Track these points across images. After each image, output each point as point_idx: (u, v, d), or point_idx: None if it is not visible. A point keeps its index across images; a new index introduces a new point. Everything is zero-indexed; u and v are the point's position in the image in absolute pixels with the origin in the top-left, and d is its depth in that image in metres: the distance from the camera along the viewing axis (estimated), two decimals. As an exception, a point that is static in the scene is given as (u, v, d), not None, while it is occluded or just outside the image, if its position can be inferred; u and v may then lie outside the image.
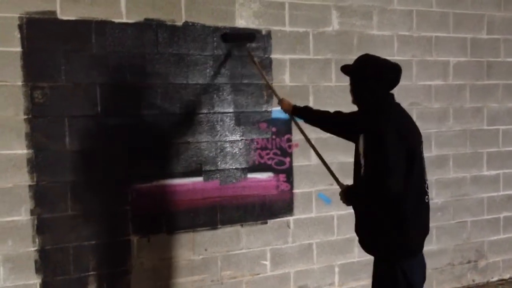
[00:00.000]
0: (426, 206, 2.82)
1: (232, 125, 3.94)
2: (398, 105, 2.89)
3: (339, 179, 3.24)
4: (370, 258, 4.43)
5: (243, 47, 3.90)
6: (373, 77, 2.78)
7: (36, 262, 3.39)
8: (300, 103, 4.13)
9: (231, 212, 3.96)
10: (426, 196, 2.80)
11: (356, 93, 2.90)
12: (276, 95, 3.72)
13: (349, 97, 4.25)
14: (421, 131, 4.50)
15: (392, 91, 2.89)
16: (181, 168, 3.78)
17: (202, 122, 3.84)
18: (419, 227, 2.78)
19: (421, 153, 2.80)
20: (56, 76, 3.39)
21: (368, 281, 4.47)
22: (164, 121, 3.72)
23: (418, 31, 4.64)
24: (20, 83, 3.31)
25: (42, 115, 3.37)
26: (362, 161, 2.72)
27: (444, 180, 4.83)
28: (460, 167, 4.90)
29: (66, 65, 3.42)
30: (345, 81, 4.26)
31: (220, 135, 3.91)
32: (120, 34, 3.56)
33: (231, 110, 3.94)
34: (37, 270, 3.40)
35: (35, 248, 3.39)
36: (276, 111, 4.06)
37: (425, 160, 2.85)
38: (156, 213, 3.72)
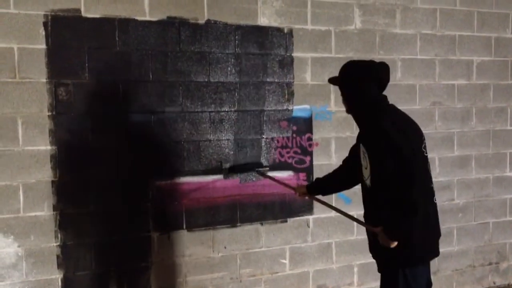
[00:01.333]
0: (435, 207, 2.76)
1: (252, 123, 3.94)
2: (394, 106, 2.83)
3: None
4: (390, 258, 4.46)
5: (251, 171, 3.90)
6: (361, 78, 2.73)
7: (58, 257, 3.43)
8: (322, 103, 4.15)
9: (251, 210, 3.96)
10: (434, 197, 2.75)
11: (349, 100, 2.82)
12: (291, 188, 3.55)
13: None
14: (444, 131, 4.59)
15: (389, 95, 2.85)
16: (201, 165, 3.79)
17: (223, 120, 3.85)
18: (433, 229, 2.74)
19: (424, 152, 2.72)
20: (80, 73, 3.42)
21: (387, 281, 4.46)
22: (186, 118, 3.73)
23: (442, 30, 4.58)
24: (44, 80, 3.34)
25: (65, 112, 3.40)
26: (368, 172, 2.66)
27: (466, 180, 4.77)
28: (483, 167, 4.84)
29: (90, 62, 3.44)
30: (367, 80, 4.28)
31: (241, 133, 3.91)
32: (143, 32, 3.58)
33: (252, 108, 3.94)
34: (59, 265, 3.44)
35: (57, 243, 3.43)
36: (297, 110, 4.06)
37: (429, 160, 2.80)
38: (176, 210, 3.74)
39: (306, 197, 3.41)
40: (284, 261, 4.09)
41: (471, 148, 4.78)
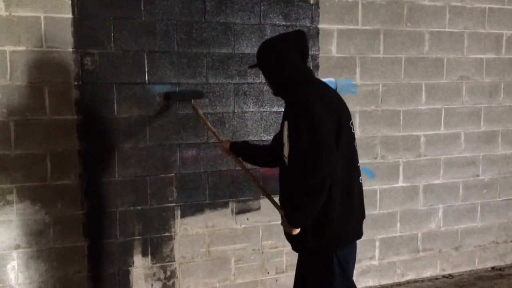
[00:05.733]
0: (360, 187, 2.61)
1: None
2: (320, 80, 2.70)
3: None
4: (412, 233, 4.47)
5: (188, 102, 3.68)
6: (280, 52, 2.54)
7: (84, 225, 3.48)
8: (347, 76, 4.10)
9: (274, 183, 3.93)
10: (360, 177, 2.59)
11: (273, 78, 2.64)
12: (218, 138, 3.40)
13: (397, 70, 4.25)
14: (470, 106, 4.54)
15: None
16: (225, 137, 3.79)
17: (247, 92, 3.83)
18: (354, 211, 2.55)
19: (350, 129, 2.55)
20: (105, 43, 3.42)
21: (409, 256, 4.48)
22: (210, 90, 3.73)
23: (471, 2, 4.48)
24: (70, 50, 3.35)
25: (91, 82, 3.41)
26: (287, 150, 2.45)
27: (492, 156, 4.71)
28: (509, 143, 4.77)
29: (116, 32, 3.44)
30: (394, 53, 4.25)
31: (265, 105, 3.89)
32: (169, 1, 3.55)
33: (276, 80, 3.91)
34: (85, 233, 3.49)
35: (83, 212, 3.48)
36: (322, 83, 4.02)
37: (355, 137, 2.63)
38: (200, 182, 3.76)
39: (229, 156, 3.31)
40: (306, 233, 4.10)
41: (498, 124, 4.70)
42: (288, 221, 2.44)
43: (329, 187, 2.36)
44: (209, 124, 3.51)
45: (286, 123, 2.46)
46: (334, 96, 2.60)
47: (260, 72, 3.72)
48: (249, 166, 3.28)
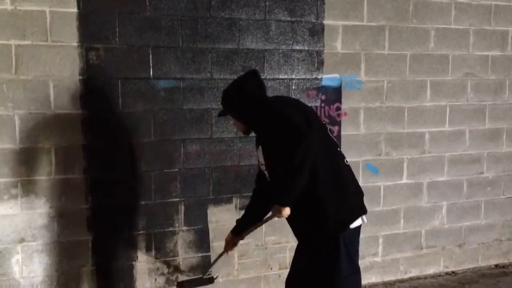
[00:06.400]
0: (349, 167, 2.71)
1: (281, 92, 3.90)
2: (280, 96, 2.99)
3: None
4: (415, 230, 4.46)
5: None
6: (238, 87, 2.73)
7: (88, 219, 3.49)
8: (351, 72, 4.10)
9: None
10: (345, 159, 2.70)
11: (241, 116, 2.76)
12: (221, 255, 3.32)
13: (402, 67, 4.24)
14: (475, 103, 4.56)
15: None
16: (229, 133, 3.80)
17: (251, 87, 3.82)
18: (350, 188, 2.66)
19: (320, 120, 2.79)
20: (110, 38, 3.42)
21: (412, 252, 4.48)
22: (214, 85, 3.72)
23: (478, -2, 4.47)
24: (75, 44, 3.35)
25: (96, 76, 3.42)
26: (264, 166, 2.66)
27: (496, 154, 4.70)
28: (514, 141, 4.76)
29: (121, 27, 3.44)
30: (399, 49, 4.24)
31: (269, 101, 3.89)
32: (174, -4, 3.56)
33: (280, 76, 3.90)
34: (89, 227, 3.50)
35: (88, 206, 3.48)
36: (326, 79, 4.01)
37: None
38: (204, 177, 3.76)
39: (231, 245, 3.16)
40: (309, 229, 4.11)
41: (503, 121, 4.69)
42: (276, 202, 2.53)
43: (318, 177, 2.48)
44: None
45: (260, 147, 2.65)
46: (295, 101, 2.85)
47: (265, 67, 3.77)
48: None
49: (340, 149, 2.75)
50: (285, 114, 2.49)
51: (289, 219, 2.69)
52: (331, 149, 2.65)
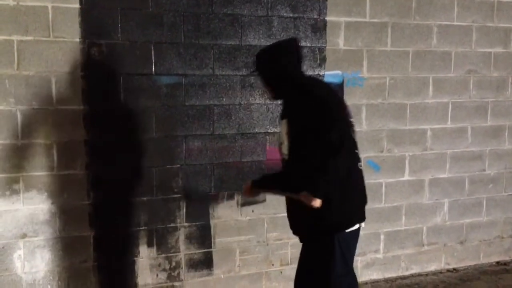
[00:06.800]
0: (360, 173, 2.69)
1: (283, 88, 3.90)
2: (314, 77, 2.79)
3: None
4: (417, 227, 4.46)
5: None
6: (277, 58, 2.65)
7: (90, 215, 3.49)
8: (354, 68, 4.09)
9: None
10: (360, 163, 2.68)
11: (271, 84, 2.72)
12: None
13: (404, 63, 4.24)
14: (478, 100, 4.53)
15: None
16: (231, 129, 3.79)
17: (253, 84, 3.82)
18: (356, 194, 2.65)
19: (348, 116, 2.69)
20: (112, 34, 3.42)
21: (413, 249, 4.48)
22: (217, 81, 3.72)
23: (480, -5, 4.45)
24: (77, 40, 3.35)
25: (98, 72, 3.41)
26: (286, 147, 2.57)
27: (498, 151, 4.69)
28: (516, 138, 4.76)
29: (123, 23, 3.43)
30: (402, 46, 4.23)
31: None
32: (176, -8, 3.55)
33: (283, 72, 3.90)
34: (91, 223, 3.50)
35: (89, 202, 3.49)
36: (329, 75, 4.00)
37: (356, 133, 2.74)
38: (205, 173, 3.76)
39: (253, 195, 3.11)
40: (311, 226, 4.11)
41: (505, 118, 4.68)
42: (313, 194, 2.46)
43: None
44: None
45: (285, 120, 2.56)
46: (330, 89, 2.75)
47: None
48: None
49: (358, 151, 2.69)
50: (318, 95, 2.45)
51: (287, 209, 2.73)
52: (350, 150, 2.59)
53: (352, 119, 2.72)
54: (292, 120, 2.54)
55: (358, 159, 2.68)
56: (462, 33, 4.42)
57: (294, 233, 2.78)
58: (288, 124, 2.54)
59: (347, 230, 2.60)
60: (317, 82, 2.70)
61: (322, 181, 2.46)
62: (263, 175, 3.05)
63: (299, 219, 2.69)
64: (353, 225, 2.63)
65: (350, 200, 2.59)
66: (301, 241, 2.77)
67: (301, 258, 2.76)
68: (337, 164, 2.41)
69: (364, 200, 2.75)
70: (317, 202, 2.49)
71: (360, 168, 2.68)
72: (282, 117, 2.64)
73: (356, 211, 2.67)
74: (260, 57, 2.74)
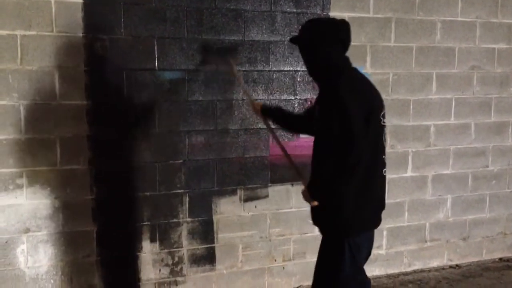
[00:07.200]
0: (383, 179, 2.64)
1: (286, 83, 3.90)
2: (356, 69, 2.68)
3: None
4: (420, 223, 4.46)
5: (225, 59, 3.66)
6: (326, 38, 2.57)
7: (93, 210, 3.50)
8: (357, 64, 4.05)
9: (282, 171, 3.95)
10: (384, 169, 2.62)
11: (310, 60, 2.65)
12: (250, 98, 3.52)
13: (408, 59, 4.22)
14: (481, 96, 4.50)
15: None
16: (234, 125, 3.79)
17: (256, 79, 3.82)
18: (373, 201, 2.59)
19: (380, 121, 2.55)
20: (115, 29, 3.42)
21: (416, 245, 4.48)
22: (220, 77, 3.71)
23: (485, -9, 4.44)
24: (80, 35, 3.34)
25: (101, 67, 3.41)
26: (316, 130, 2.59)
27: (502, 147, 4.68)
28: (520, 135, 4.74)
29: (126, 18, 3.43)
30: (405, 41, 4.21)
31: (274, 93, 3.88)
32: (179, -13, 3.54)
33: (286, 68, 3.89)
34: (94, 218, 3.51)
35: (92, 197, 3.49)
36: (332, 71, 3.99)
37: (385, 131, 2.65)
38: (208, 168, 3.76)
39: (258, 116, 3.31)
40: (313, 222, 4.11)
41: (509, 115, 4.67)
42: (310, 193, 2.57)
43: (355, 171, 2.43)
44: (242, 82, 3.57)
45: (318, 108, 2.55)
46: (367, 87, 2.61)
47: (270, 59, 3.75)
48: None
49: (385, 156, 2.63)
50: (346, 109, 2.36)
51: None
52: (377, 154, 2.55)
53: (383, 120, 2.59)
54: (322, 113, 2.50)
55: (383, 165, 2.62)
56: (466, 29, 4.40)
57: (314, 223, 2.75)
58: (320, 113, 2.52)
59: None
60: (354, 82, 2.54)
61: (323, 184, 2.50)
62: (276, 107, 3.32)
63: (317, 213, 2.65)
64: (365, 230, 2.62)
65: (364, 207, 2.53)
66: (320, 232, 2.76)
67: (319, 250, 2.74)
68: (350, 175, 2.43)
69: (380, 207, 2.71)
70: (313, 203, 2.55)
71: (384, 174, 2.64)
72: (316, 102, 2.63)
73: (370, 217, 2.63)
74: (310, 25, 2.65)
